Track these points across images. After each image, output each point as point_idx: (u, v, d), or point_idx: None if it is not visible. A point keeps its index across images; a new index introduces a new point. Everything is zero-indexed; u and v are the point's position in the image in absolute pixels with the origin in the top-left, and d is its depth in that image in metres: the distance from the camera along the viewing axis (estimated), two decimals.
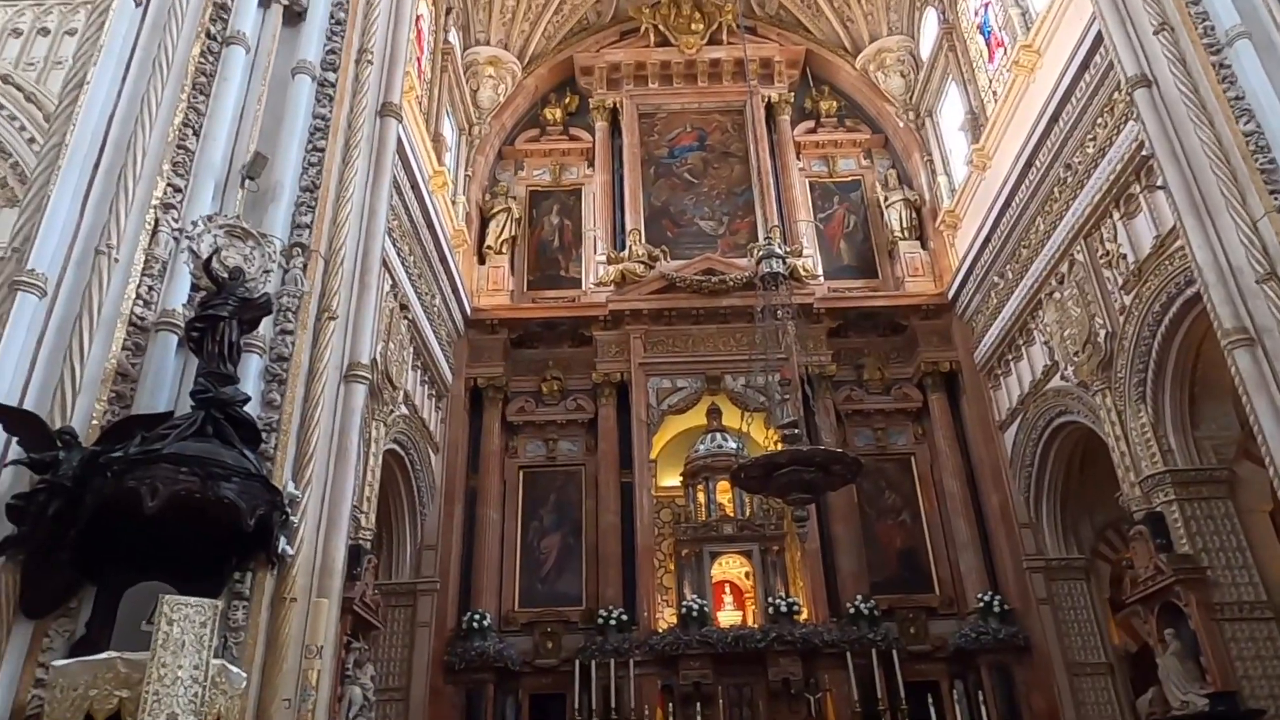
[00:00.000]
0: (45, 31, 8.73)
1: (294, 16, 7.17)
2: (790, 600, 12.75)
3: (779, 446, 9.72)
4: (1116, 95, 9.60)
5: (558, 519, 14.00)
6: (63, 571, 4.60)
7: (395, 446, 11.64)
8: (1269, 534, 9.52)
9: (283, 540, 5.07)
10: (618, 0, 17.99)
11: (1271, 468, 6.50)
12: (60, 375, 4.98)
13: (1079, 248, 11.24)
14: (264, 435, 5.32)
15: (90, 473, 4.56)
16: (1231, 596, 9.04)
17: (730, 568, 13.87)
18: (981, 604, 12.70)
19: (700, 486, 13.91)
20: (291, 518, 5.20)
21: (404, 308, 11.87)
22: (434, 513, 13.15)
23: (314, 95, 6.94)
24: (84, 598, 4.71)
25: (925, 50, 16.31)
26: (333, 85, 7.05)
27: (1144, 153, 8.30)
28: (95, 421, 4.96)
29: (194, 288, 5.63)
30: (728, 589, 13.80)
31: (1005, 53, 13.27)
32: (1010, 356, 13.40)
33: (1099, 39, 9.29)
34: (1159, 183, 8.19)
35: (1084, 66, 10.34)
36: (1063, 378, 11.79)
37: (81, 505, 4.49)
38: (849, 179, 16.97)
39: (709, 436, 14.20)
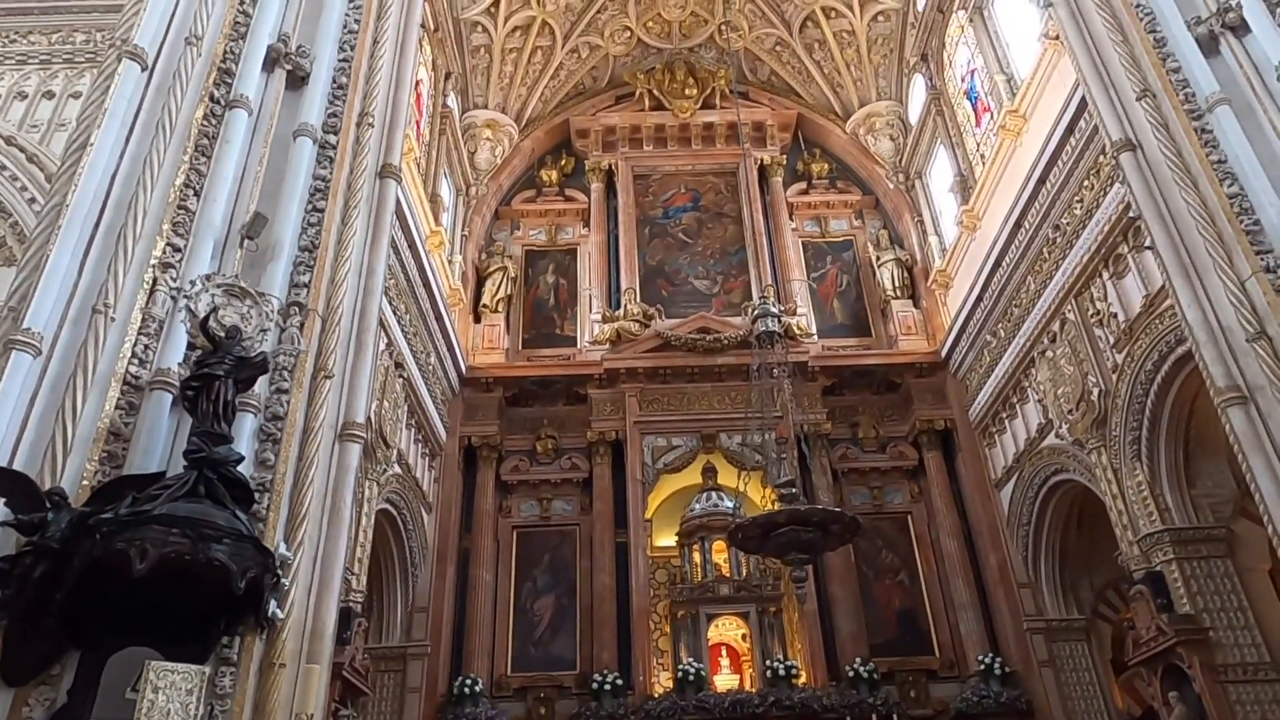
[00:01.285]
0: (50, 95, 8.90)
1: (297, 81, 7.31)
2: (788, 663, 12.52)
3: (776, 506, 9.65)
4: (1102, 158, 9.82)
5: (552, 580, 13.81)
6: (47, 637, 4.49)
7: (388, 506, 11.52)
8: (1269, 593, 9.44)
9: (273, 603, 4.97)
10: (613, 66, 18.43)
11: (1270, 526, 6.46)
12: (52, 435, 4.94)
13: (1070, 306, 11.35)
14: (257, 495, 5.25)
15: (79, 534, 4.48)
16: (1235, 658, 8.92)
17: (727, 629, 13.64)
18: (982, 666, 12.49)
19: (696, 546, 13.77)
20: (282, 580, 5.10)
21: (399, 366, 11.87)
22: (426, 574, 12.96)
23: (315, 157, 7.03)
24: (67, 664, 4.59)
25: (914, 115, 16.68)
26: (333, 147, 7.15)
27: (1131, 214, 8.44)
28: (86, 482, 4.90)
29: (190, 346, 5.62)
30: (724, 651, 13.57)
31: (992, 117, 13.58)
32: (1004, 414, 13.42)
33: (1083, 104, 9.52)
34: (1146, 243, 8.33)
35: (1069, 131, 10.57)
36: (1057, 435, 11.79)
37: (69, 568, 4.40)
38: (841, 239, 17.20)
39: (705, 495, 14.11)
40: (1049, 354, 11.89)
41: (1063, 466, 11.75)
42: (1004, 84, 13.11)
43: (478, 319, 15.82)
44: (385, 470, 11.10)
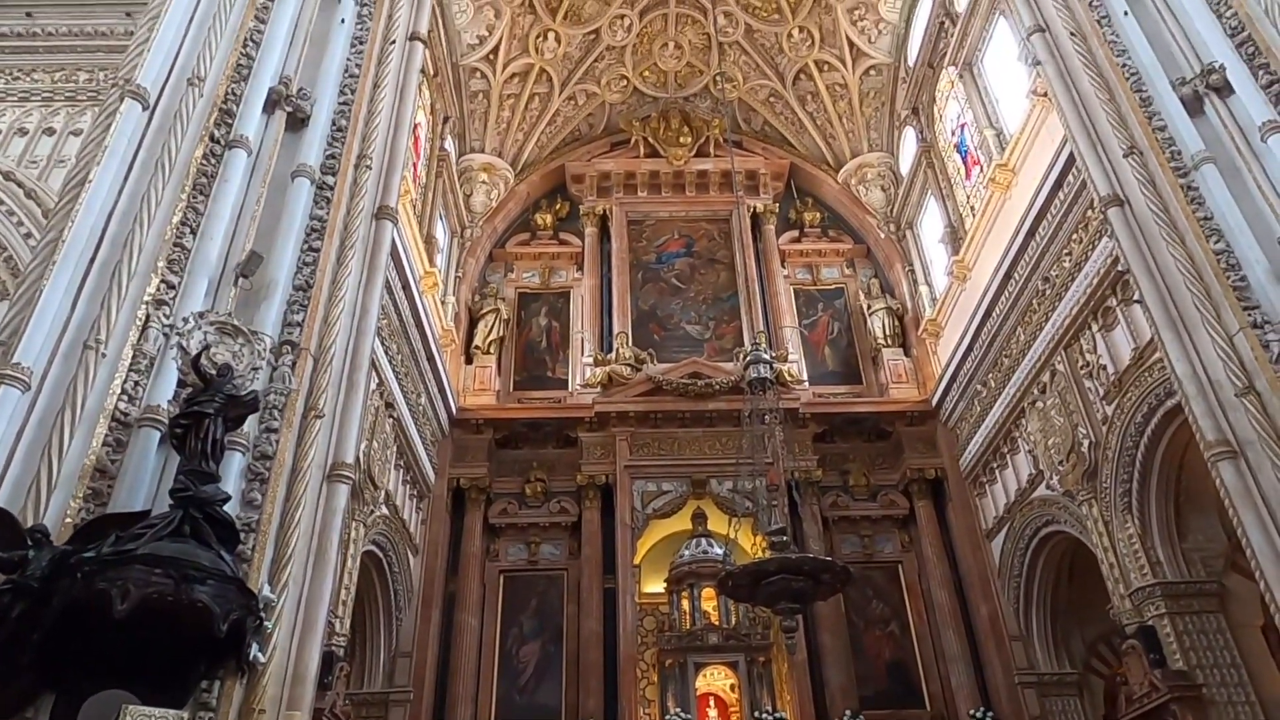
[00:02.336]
0: (50, 131, 8.96)
1: (297, 122, 7.39)
2: (777, 715, 12.32)
3: (766, 553, 9.57)
4: (1090, 213, 9.95)
5: (538, 625, 13.60)
6: (22, 678, 4.39)
7: (373, 548, 11.38)
8: (1262, 650, 9.36)
9: (255, 647, 4.87)
10: (609, 113, 18.72)
11: (1262, 581, 6.43)
12: (37, 471, 4.89)
13: (1059, 358, 11.42)
14: (242, 536, 5.19)
15: (59, 573, 4.40)
16: (1229, 715, 8.82)
17: (715, 679, 13.44)
18: None
19: (685, 593, 13.62)
20: (265, 623, 5.01)
21: (389, 406, 11.81)
22: (410, 618, 12.76)
23: (312, 197, 7.09)
24: (41, 707, 4.48)
25: (904, 166, 16.94)
26: (331, 188, 7.21)
27: (1119, 268, 8.54)
28: (69, 519, 4.84)
29: (181, 384, 5.60)
30: (712, 702, 13.36)
31: (981, 170, 13.79)
32: (995, 464, 13.41)
33: (1071, 160, 9.68)
34: (1135, 297, 8.40)
35: (1058, 185, 10.73)
36: (1048, 487, 11.77)
37: (48, 607, 4.32)
38: (832, 287, 17.34)
39: (694, 542, 13.99)
40: (1039, 405, 11.93)
41: (1054, 518, 11.71)
42: (993, 138, 13.34)
43: (469, 360, 15.80)
44: (372, 511, 10.99)
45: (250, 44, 7.50)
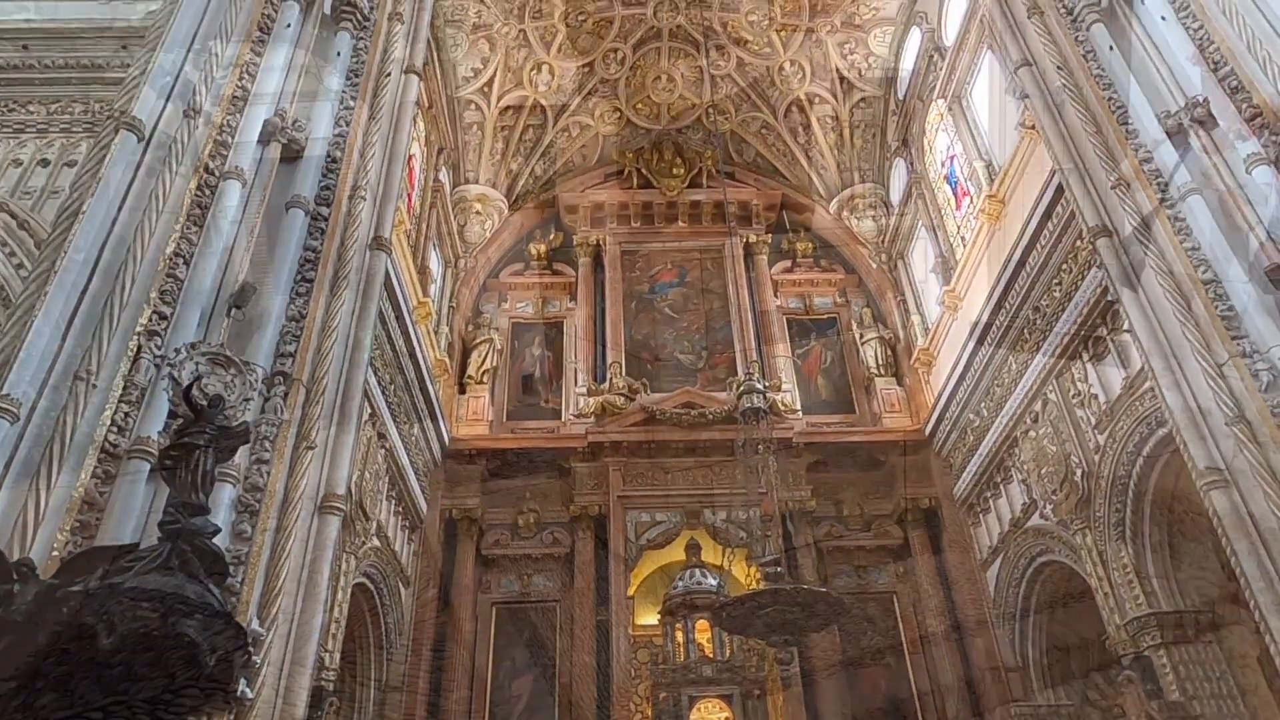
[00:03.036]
0: (45, 162, 8.95)
1: (292, 153, 7.45)
2: None
3: (760, 584, 9.51)
4: (1079, 243, 10.03)
5: (530, 658, 13.45)
6: (4, 714, 4.31)
7: (364, 580, 11.26)
8: (1259, 679, 9.30)
9: (243, 682, 4.81)
10: (602, 145, 18.87)
11: (1256, 610, 6.42)
12: (24, 503, 4.85)
13: (1051, 387, 11.45)
14: (232, 568, 5.13)
15: (44, 608, 4.35)
16: None
17: (709, 712, 13.24)
18: None
19: (679, 625, 13.47)
20: (254, 657, 4.95)
21: (381, 436, 11.76)
22: (401, 651, 12.59)
23: (306, 228, 7.12)
24: None
25: (895, 197, 17.09)
26: (325, 219, 7.25)
27: (1109, 298, 8.60)
28: (56, 553, 4.79)
29: (171, 415, 5.57)
30: None
31: (971, 201, 13.90)
32: (989, 494, 13.39)
33: (1060, 191, 9.77)
34: (1125, 326, 8.46)
35: (1047, 216, 10.81)
36: (1042, 516, 11.75)
37: (31, 644, 4.25)
38: (825, 316, 17.40)
39: (688, 573, 13.85)
40: (1032, 434, 11.94)
41: (1048, 548, 11.67)
42: (983, 169, 13.47)
43: (462, 390, 15.77)
44: (364, 543, 10.89)
45: (246, 76, 7.56)
